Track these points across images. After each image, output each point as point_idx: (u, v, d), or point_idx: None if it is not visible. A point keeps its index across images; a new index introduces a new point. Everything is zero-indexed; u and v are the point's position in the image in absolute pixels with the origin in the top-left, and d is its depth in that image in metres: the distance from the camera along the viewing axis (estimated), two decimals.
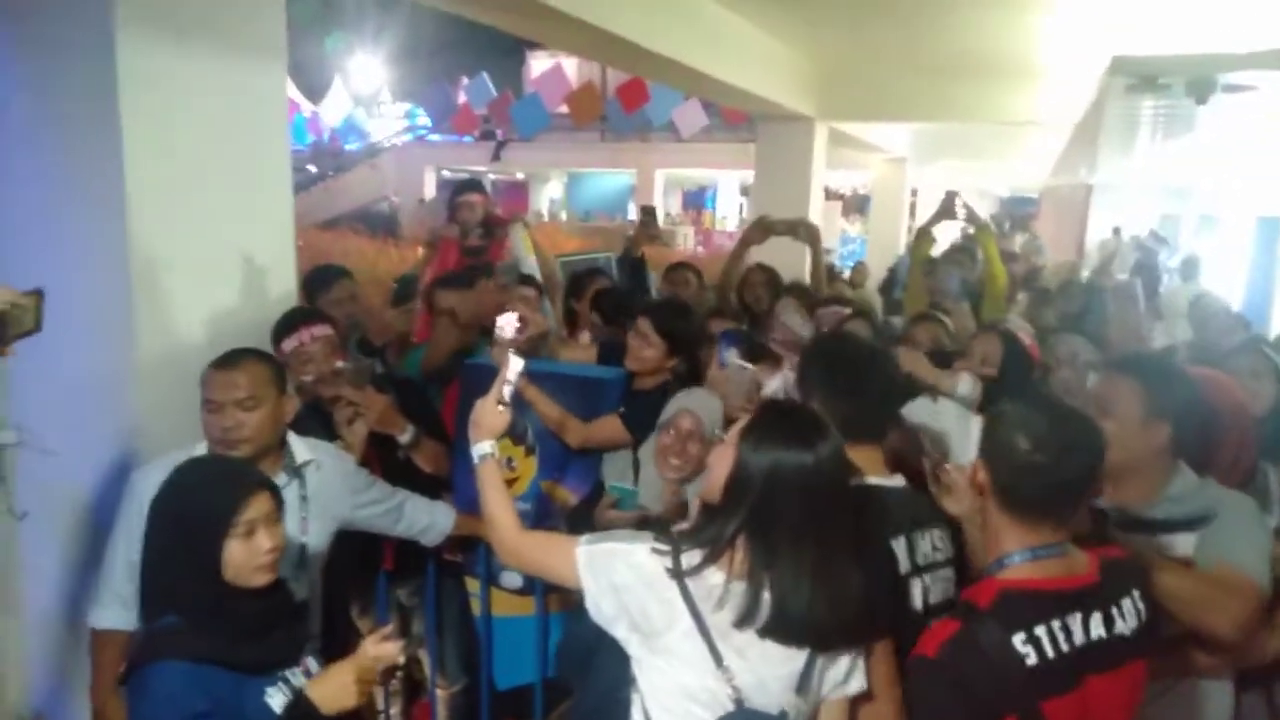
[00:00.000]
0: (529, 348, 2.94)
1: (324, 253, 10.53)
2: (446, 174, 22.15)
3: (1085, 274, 8.29)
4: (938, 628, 1.50)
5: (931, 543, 1.79)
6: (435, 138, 22.08)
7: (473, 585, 2.86)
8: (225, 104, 2.46)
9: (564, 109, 14.87)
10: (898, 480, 1.82)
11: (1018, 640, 1.43)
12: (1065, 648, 1.46)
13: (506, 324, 2.74)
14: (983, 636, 1.44)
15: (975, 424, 2.44)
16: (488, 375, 2.76)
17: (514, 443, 2.81)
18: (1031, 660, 1.43)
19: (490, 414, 1.86)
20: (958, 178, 13.51)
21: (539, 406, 2.69)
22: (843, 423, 1.70)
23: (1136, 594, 1.56)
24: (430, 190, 21.31)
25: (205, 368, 2.07)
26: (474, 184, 4.84)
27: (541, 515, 2.77)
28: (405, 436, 2.60)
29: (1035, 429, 1.50)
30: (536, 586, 2.63)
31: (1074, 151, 9.05)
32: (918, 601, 1.73)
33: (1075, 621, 1.48)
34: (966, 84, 7.10)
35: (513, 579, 2.71)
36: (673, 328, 2.70)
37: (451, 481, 2.77)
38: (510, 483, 2.79)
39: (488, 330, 3.08)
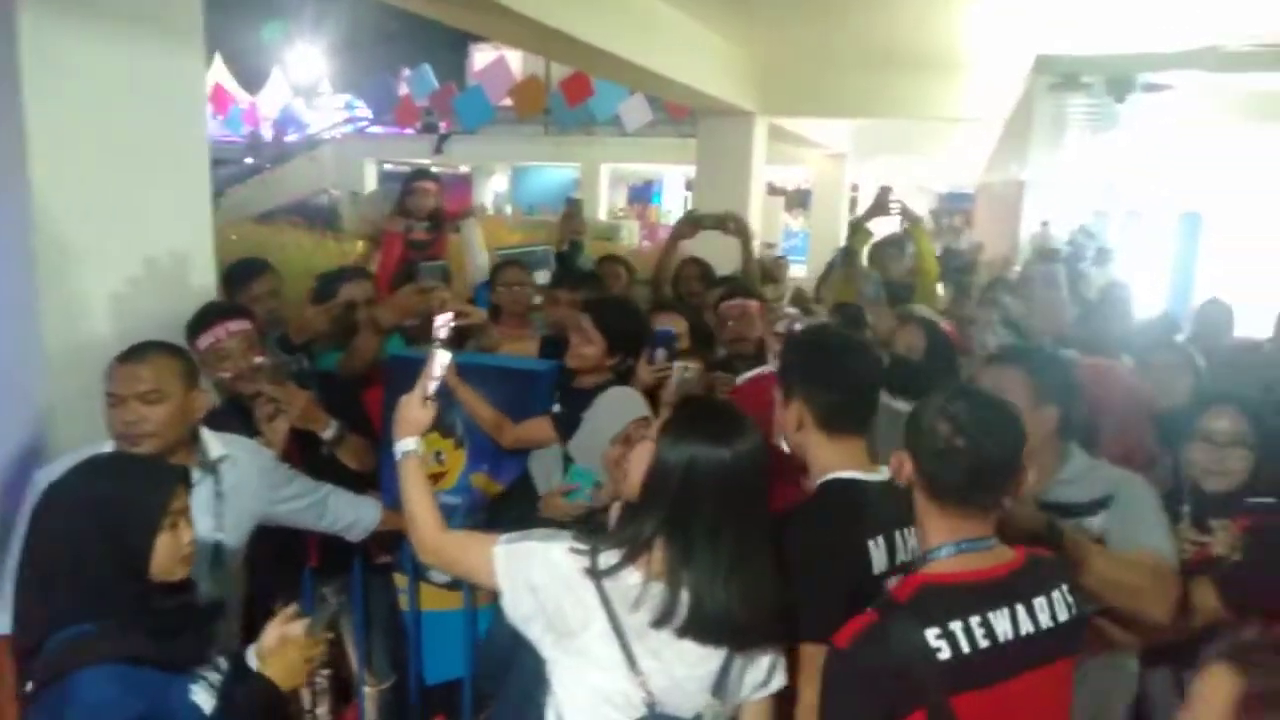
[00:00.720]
0: (461, 336, 2.90)
1: (260, 246, 10.27)
2: (388, 167, 21.78)
3: (1017, 268, 8.49)
4: (855, 619, 1.48)
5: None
6: (376, 130, 21.71)
7: (401, 581, 2.83)
8: (138, 89, 2.38)
9: (508, 102, 14.73)
10: (882, 473, 1.75)
11: (931, 634, 1.41)
12: (985, 643, 1.42)
13: (442, 324, 2.71)
14: (894, 629, 1.42)
15: (899, 411, 2.47)
16: (414, 368, 2.74)
17: (442, 435, 2.78)
18: (944, 655, 1.40)
19: (415, 409, 1.82)
20: (897, 174, 13.73)
21: (472, 408, 2.66)
22: (824, 414, 1.71)
23: (1065, 588, 1.54)
24: (371, 183, 20.95)
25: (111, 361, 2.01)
26: (428, 172, 4.76)
27: (472, 509, 2.75)
28: (328, 432, 2.55)
29: (955, 414, 1.49)
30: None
31: (1006, 148, 9.27)
32: None
33: (1000, 617, 1.45)
34: (901, 80, 7.21)
35: (441, 573, 2.67)
36: (614, 326, 2.64)
37: (378, 478, 2.73)
38: (439, 476, 2.77)
39: (405, 330, 3.03)
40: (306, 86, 23.51)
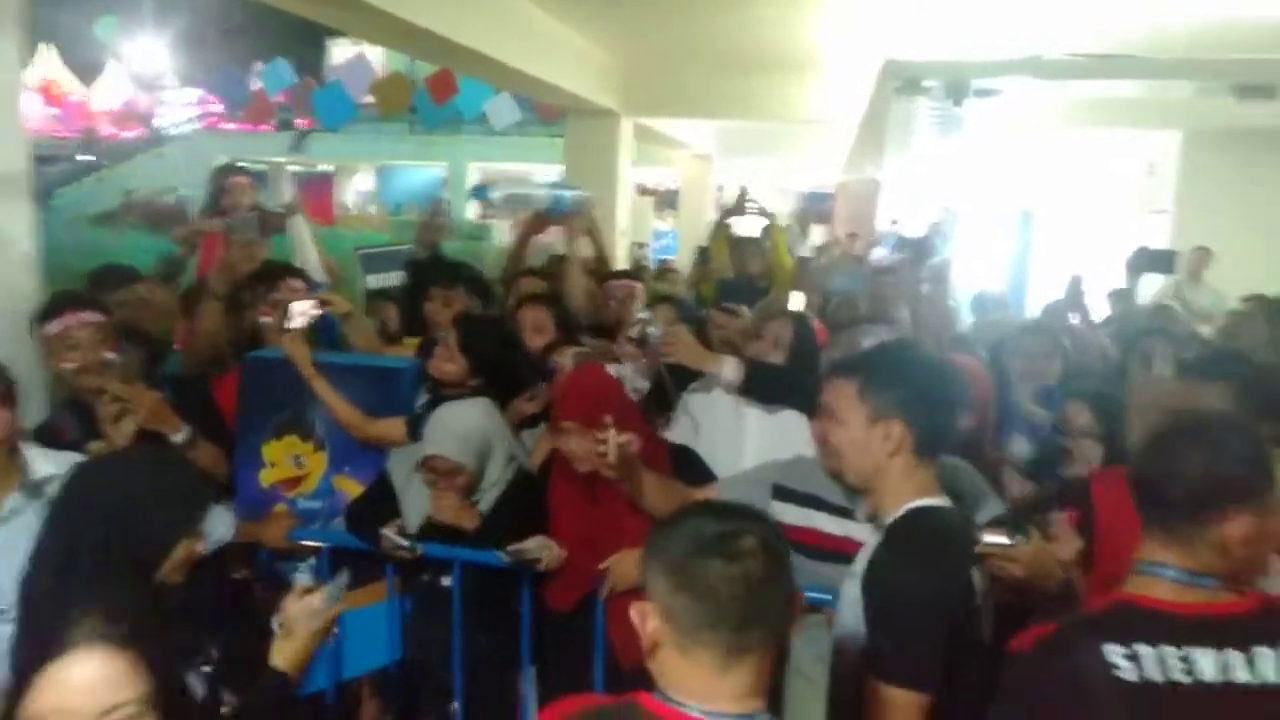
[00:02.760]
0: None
1: (97, 247, 9.64)
2: (244, 165, 20.83)
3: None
4: (1038, 627, 1.39)
5: None
6: (230, 127, 20.69)
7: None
8: None
9: (371, 99, 14.31)
10: (946, 499, 1.69)
11: (1112, 651, 1.31)
12: (1185, 679, 1.30)
13: (299, 311, 2.63)
14: (1072, 638, 1.34)
15: (751, 416, 2.51)
16: (273, 368, 2.66)
17: (302, 439, 2.70)
18: (1128, 676, 1.29)
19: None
20: (760, 174, 14.13)
21: (327, 401, 2.61)
22: (927, 437, 1.62)
23: None
24: None
25: None
26: (238, 167, 4.45)
27: (334, 513, 2.67)
28: (179, 436, 2.40)
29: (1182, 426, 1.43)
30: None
31: (861, 149, 9.71)
32: (986, 630, 1.58)
33: (1205, 656, 1.31)
34: (760, 82, 7.45)
35: (304, 578, 2.58)
36: (479, 351, 2.59)
37: (231, 484, 2.63)
38: (298, 480, 2.70)
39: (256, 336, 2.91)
40: (149, 79, 22.15)
